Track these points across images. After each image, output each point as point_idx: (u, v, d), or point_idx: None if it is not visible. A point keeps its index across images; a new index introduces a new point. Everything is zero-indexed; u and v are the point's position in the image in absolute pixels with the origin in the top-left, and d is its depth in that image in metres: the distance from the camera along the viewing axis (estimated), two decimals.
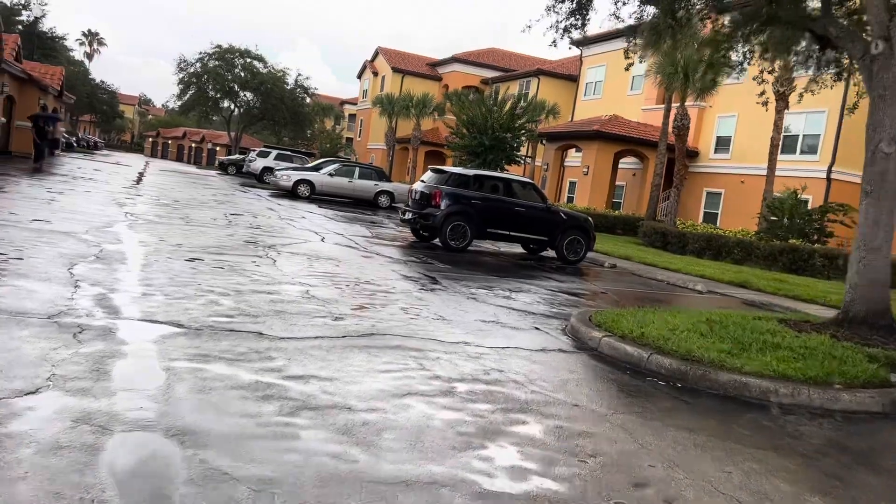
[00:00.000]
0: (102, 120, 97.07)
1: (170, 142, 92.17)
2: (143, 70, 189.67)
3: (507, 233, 14.85)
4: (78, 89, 67.92)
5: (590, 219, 15.90)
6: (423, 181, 15.21)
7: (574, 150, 33.60)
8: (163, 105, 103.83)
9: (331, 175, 27.00)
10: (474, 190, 14.61)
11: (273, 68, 62.70)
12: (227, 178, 40.57)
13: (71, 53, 77.14)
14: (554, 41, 13.76)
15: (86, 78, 79.29)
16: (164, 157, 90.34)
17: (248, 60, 62.20)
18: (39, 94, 27.45)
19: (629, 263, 16.68)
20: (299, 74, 64.82)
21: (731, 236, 20.55)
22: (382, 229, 17.81)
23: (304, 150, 48.08)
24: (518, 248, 16.47)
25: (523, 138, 32.93)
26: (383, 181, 28.11)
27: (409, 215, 14.97)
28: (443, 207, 14.19)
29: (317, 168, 29.36)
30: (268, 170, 35.69)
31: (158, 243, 9.70)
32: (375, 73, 57.02)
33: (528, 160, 37.54)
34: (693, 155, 29.15)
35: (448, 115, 46.93)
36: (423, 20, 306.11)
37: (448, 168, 15.20)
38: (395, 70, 53.26)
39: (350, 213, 22.45)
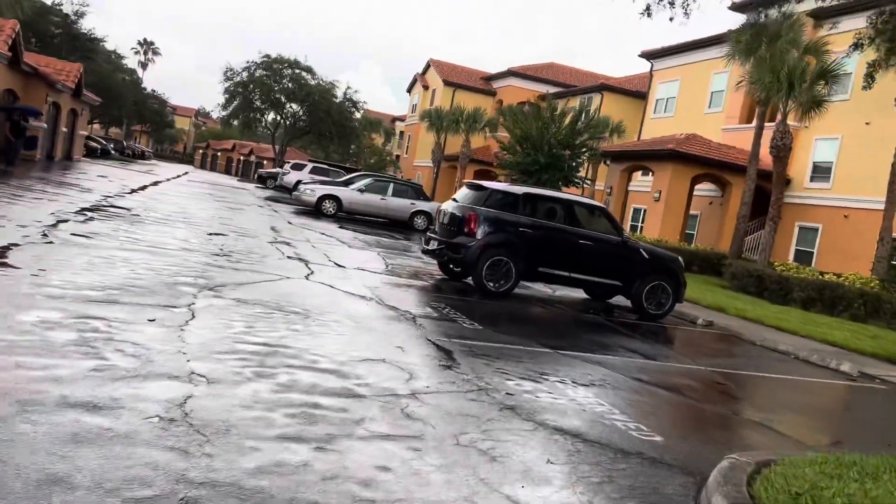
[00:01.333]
0: (154, 129, 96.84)
1: (219, 154, 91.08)
2: (212, 85, 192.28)
3: (567, 274, 10.91)
4: (126, 97, 66.84)
5: (679, 259, 11.85)
6: (455, 200, 11.48)
7: (641, 172, 29.46)
8: (200, 110, 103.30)
9: (361, 191, 23.55)
10: (524, 214, 10.76)
11: (322, 80, 60.29)
12: (262, 191, 37.68)
13: (124, 62, 76.52)
14: (648, 8, 9.87)
15: (137, 86, 78.55)
16: (212, 168, 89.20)
17: (297, 71, 59.95)
18: (47, 90, 24.84)
19: (726, 318, 12.54)
20: (348, 87, 62.12)
21: (850, 285, 16.14)
22: (406, 259, 14.12)
23: (345, 166, 45.10)
24: (577, 292, 12.54)
25: (584, 157, 28.96)
26: (421, 200, 24.52)
27: (433, 244, 11.22)
28: (479, 236, 10.42)
29: (347, 183, 25.98)
30: (301, 184, 32.58)
31: (22, 276, 6.19)
32: (426, 87, 53.90)
33: (588, 183, 33.50)
34: (784, 183, 24.72)
35: (501, 131, 43.52)
36: (484, 43, 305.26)
37: (489, 184, 11.38)
38: (447, 83, 50.00)
39: (374, 235, 18.87)
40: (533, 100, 35.47)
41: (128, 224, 11.64)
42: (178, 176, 40.04)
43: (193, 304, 6.41)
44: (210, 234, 12.36)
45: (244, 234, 13.43)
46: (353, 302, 8.11)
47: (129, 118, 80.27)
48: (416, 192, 24.82)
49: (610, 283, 11.28)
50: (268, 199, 29.51)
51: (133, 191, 20.01)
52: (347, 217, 23.97)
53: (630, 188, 29.70)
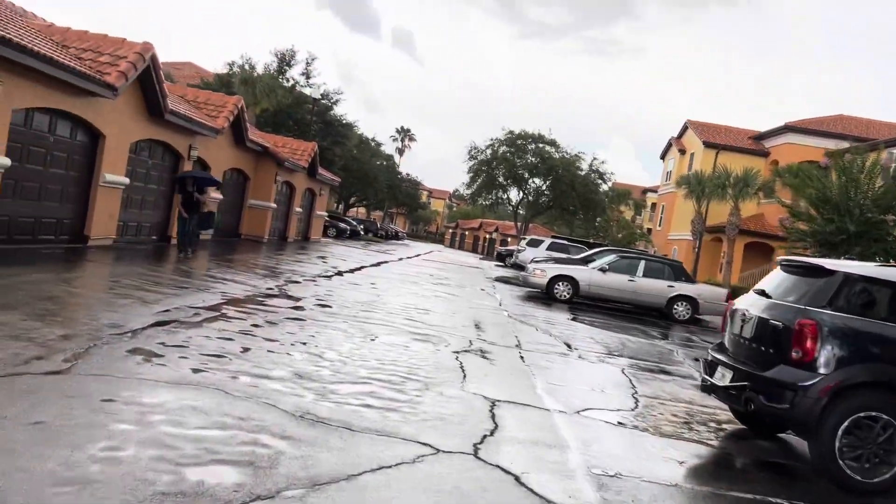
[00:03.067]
0: (409, 211, 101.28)
1: (466, 233, 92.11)
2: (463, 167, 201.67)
3: None
4: (381, 180, 69.77)
5: None
6: (763, 294, 6.35)
7: None
8: (454, 193, 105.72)
9: (603, 270, 18.82)
10: None
11: (566, 153, 57.22)
12: (498, 270, 34.51)
13: (382, 148, 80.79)
14: None
15: (393, 171, 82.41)
16: (460, 247, 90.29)
17: (540, 145, 57.62)
18: (277, 169, 24.11)
19: None
20: (594, 158, 58.00)
21: None
22: (666, 384, 9.11)
23: (589, 241, 40.60)
24: None
25: None
26: (682, 281, 19.06)
27: (725, 376, 6.16)
28: (824, 367, 5.28)
29: (586, 260, 21.43)
30: (532, 262, 28.77)
31: None
32: (682, 151, 47.93)
33: None
34: None
35: (778, 195, 36.17)
36: (737, 105, 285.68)
37: (835, 264, 6.03)
38: (708, 145, 43.65)
39: (618, 332, 13.97)
40: (822, 158, 28.36)
41: (264, 323, 8.31)
42: (417, 255, 38.60)
43: None
44: (372, 337, 8.57)
45: (428, 335, 9.49)
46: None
47: (385, 200, 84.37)
48: (675, 272, 19.42)
49: None
50: (498, 279, 25.94)
51: (339, 273, 17.48)
52: (585, 302, 19.34)
53: None
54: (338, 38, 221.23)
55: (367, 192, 71.13)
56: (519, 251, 32.40)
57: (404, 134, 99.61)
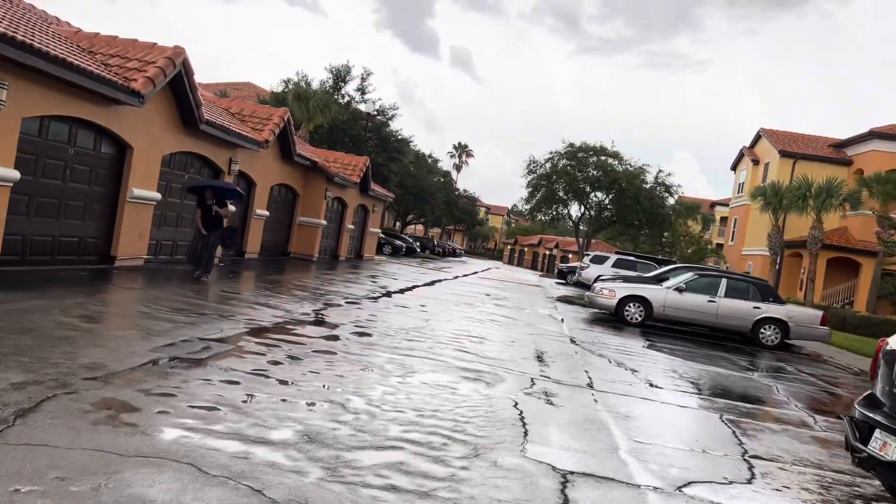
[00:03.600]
0: (467, 228, 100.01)
1: (525, 249, 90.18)
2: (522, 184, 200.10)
3: None
4: (438, 197, 68.81)
5: None
6: None
7: None
8: (512, 209, 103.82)
9: (679, 290, 16.93)
10: None
11: (630, 165, 54.92)
12: (559, 289, 32.70)
13: (439, 164, 79.78)
14: None
15: (450, 187, 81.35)
16: (519, 263, 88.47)
17: (602, 158, 55.47)
18: (326, 185, 23.06)
19: None
20: (660, 171, 55.44)
21: None
22: (783, 438, 7.34)
23: (658, 258, 38.35)
24: None
25: None
26: (769, 302, 16.97)
27: (887, 444, 4.47)
28: None
29: (659, 279, 19.55)
30: (598, 281, 26.90)
31: None
32: (755, 162, 45.17)
33: None
34: None
35: (864, 209, 33.53)
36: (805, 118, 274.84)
37: None
38: (784, 154, 40.86)
39: (703, 362, 12.14)
40: None
41: (285, 359, 6.96)
42: (474, 273, 37.13)
43: None
44: (412, 374, 7.10)
45: (481, 371, 7.97)
46: None
47: (442, 217, 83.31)
48: (762, 291, 17.33)
49: None
50: (560, 299, 24.19)
51: (388, 293, 16.16)
52: (658, 325, 17.50)
53: None
54: (398, 59, 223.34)
55: (423, 209, 70.13)
56: (582, 268, 30.57)
57: (462, 150, 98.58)
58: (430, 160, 73.55)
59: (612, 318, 17.40)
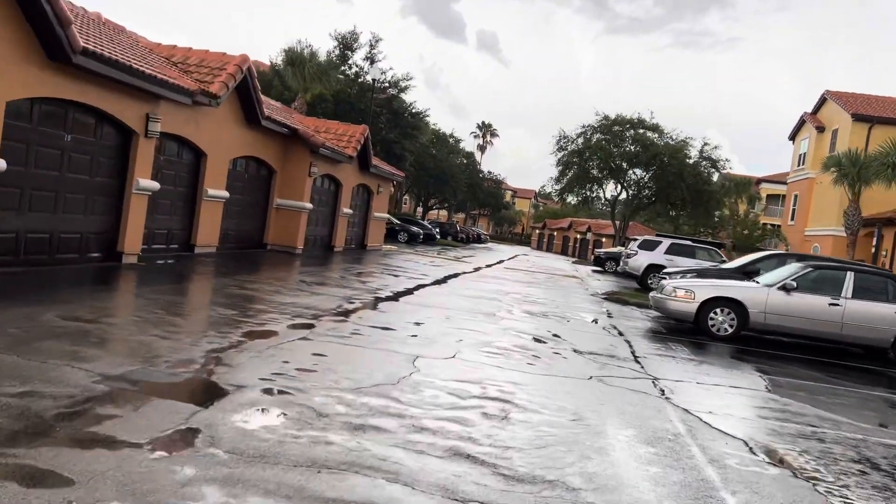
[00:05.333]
0: (493, 212, 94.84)
1: (555, 233, 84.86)
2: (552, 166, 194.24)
3: None
4: (460, 179, 63.97)
5: None
6: None
7: None
8: (539, 191, 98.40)
9: (786, 290, 11.92)
10: None
11: (671, 138, 49.44)
12: (598, 280, 27.71)
13: (462, 145, 74.68)
14: None
15: (473, 169, 76.26)
16: (548, 249, 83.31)
17: (641, 131, 50.01)
18: (310, 157, 18.34)
19: None
20: (706, 143, 49.77)
21: None
22: None
23: (710, 241, 33.15)
24: None
25: None
26: None
27: None
28: None
29: (747, 272, 14.59)
30: (655, 269, 21.94)
31: None
32: (820, 129, 39.50)
33: None
34: None
35: None
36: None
37: None
38: (857, 118, 35.19)
39: (859, 403, 7.22)
40: None
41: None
42: (499, 262, 32.26)
43: None
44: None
45: (518, 477, 3.20)
46: None
47: (465, 201, 78.19)
48: None
49: None
50: (607, 297, 19.20)
51: (375, 301, 11.45)
52: (752, 336, 12.60)
53: None
54: (424, 44, 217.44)
55: (444, 192, 65.20)
56: (629, 255, 25.49)
57: (486, 129, 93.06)
58: (451, 140, 68.46)
59: (692, 328, 12.50)
